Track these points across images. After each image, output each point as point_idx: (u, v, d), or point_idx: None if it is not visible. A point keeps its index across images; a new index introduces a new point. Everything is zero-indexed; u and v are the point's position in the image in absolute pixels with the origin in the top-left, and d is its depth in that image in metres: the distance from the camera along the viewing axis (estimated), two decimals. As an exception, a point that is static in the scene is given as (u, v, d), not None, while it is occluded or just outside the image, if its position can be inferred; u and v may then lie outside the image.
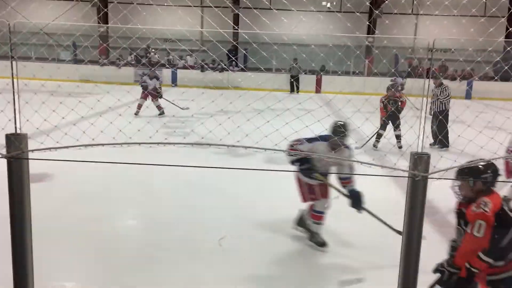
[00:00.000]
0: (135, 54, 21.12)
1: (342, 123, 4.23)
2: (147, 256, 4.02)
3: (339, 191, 4.17)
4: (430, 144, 8.72)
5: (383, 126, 8.54)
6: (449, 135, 8.41)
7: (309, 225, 4.38)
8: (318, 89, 19.24)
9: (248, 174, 6.12)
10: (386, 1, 21.23)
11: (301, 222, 4.51)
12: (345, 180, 4.09)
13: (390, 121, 8.57)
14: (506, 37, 21.55)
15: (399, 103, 8.66)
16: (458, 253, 2.72)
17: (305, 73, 19.32)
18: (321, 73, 19.67)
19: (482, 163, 2.74)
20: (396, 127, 8.58)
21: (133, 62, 20.99)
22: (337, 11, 22.41)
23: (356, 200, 3.97)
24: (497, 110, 10.85)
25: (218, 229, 4.60)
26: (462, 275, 2.68)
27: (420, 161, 1.22)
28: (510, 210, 2.68)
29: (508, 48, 2.83)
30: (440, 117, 8.54)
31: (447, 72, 16.69)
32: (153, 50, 21.62)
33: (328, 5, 22.37)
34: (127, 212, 5.26)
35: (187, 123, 10.44)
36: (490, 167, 2.76)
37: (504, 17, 21.56)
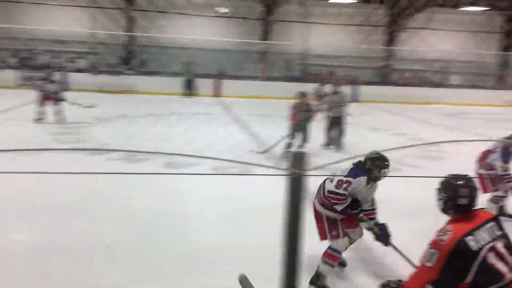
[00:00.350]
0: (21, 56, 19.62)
1: (381, 154, 3.66)
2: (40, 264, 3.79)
3: (365, 226, 3.70)
4: (325, 145, 9.14)
5: (292, 135, 8.10)
6: (344, 138, 9.07)
7: (318, 267, 3.69)
8: (217, 93, 19.43)
9: (146, 179, 6.06)
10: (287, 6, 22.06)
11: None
12: (371, 212, 3.70)
13: (298, 130, 8.18)
14: (387, 45, 23.72)
15: (310, 112, 8.34)
16: (409, 278, 2.49)
17: (202, 77, 19.34)
18: (220, 77, 19.87)
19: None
20: (304, 139, 8.25)
21: (17, 65, 19.42)
22: (232, 17, 22.81)
23: (384, 234, 3.52)
24: (382, 111, 12.01)
25: (106, 235, 4.42)
26: None
27: (297, 160, 1.34)
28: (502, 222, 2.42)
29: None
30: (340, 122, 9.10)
31: (333, 77, 17.72)
32: (39, 51, 20.19)
33: (222, 10, 22.68)
34: (12, 226, 4.86)
35: (83, 128, 9.98)
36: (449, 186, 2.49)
37: (384, 26, 23.67)
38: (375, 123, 11.35)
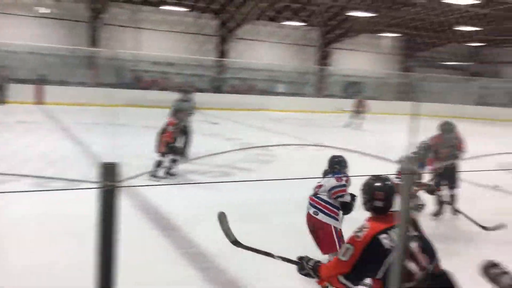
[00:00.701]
0: None
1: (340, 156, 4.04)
2: None
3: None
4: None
5: (165, 154, 7.26)
6: (190, 147, 8.56)
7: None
8: (39, 100, 17.62)
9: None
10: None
11: None
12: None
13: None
14: (220, 54, 24.56)
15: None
16: (324, 266, 2.63)
17: (19, 82, 17.33)
18: (41, 82, 18.05)
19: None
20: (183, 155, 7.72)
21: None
22: (54, 18, 21.03)
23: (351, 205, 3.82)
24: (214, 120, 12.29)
25: None
26: (318, 283, 2.70)
27: (108, 171, 1.24)
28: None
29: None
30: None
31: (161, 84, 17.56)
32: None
33: (42, 10, 20.66)
34: None
35: None
36: None
37: (216, 35, 24.47)
38: (208, 129, 11.57)
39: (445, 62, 30.07)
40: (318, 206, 3.80)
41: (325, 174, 3.98)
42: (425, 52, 29.20)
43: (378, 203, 2.54)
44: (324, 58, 26.74)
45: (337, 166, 3.98)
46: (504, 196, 7.21)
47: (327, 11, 22.84)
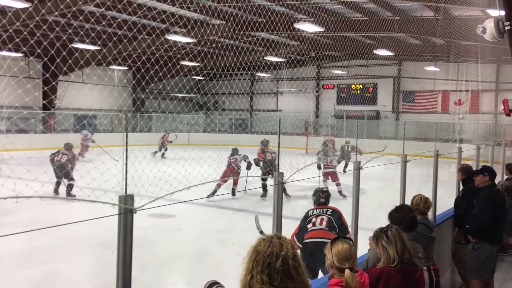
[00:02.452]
0: None
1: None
2: None
3: None
4: None
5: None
6: None
7: None
8: None
9: None
10: None
11: None
12: None
13: None
14: None
15: None
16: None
17: None
18: None
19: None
20: None
21: None
22: None
23: None
24: None
25: None
26: None
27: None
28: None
29: None
30: None
31: None
32: None
33: None
34: None
35: None
36: None
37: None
38: None
39: (174, 94, 32.09)
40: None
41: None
42: (155, 84, 30.50)
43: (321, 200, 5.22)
44: (50, 91, 24.82)
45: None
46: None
47: (51, 42, 21.34)
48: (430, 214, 4.93)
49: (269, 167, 11.47)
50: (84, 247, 7.08)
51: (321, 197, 5.22)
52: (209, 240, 7.61)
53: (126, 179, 2.28)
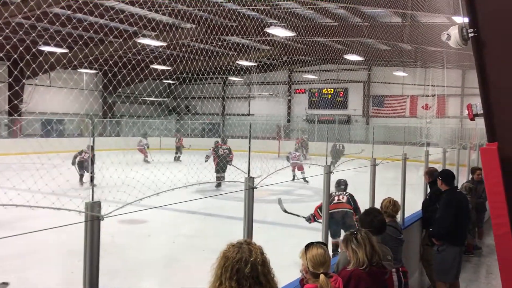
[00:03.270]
0: None
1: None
2: None
3: None
4: None
5: None
6: None
7: None
8: None
9: None
10: None
11: None
12: None
13: None
14: None
15: None
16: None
17: None
18: None
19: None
20: None
21: None
22: None
23: None
24: None
25: None
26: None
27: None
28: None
29: None
30: None
31: None
32: None
33: None
34: None
35: None
36: None
37: None
38: None
39: (144, 98, 31.70)
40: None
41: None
42: (124, 88, 30.05)
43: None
44: (15, 95, 24.14)
45: None
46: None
47: (16, 45, 20.74)
48: (398, 217, 5.01)
49: (222, 162, 13.69)
50: (50, 255, 6.88)
51: (342, 184, 6.79)
52: (179, 246, 7.52)
53: (93, 185, 2.23)
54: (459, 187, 7.89)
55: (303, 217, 6.77)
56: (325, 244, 2.77)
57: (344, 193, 6.65)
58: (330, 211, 5.40)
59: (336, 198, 6.52)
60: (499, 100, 3.03)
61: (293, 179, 14.24)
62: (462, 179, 8.89)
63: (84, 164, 14.20)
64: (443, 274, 5.27)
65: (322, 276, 2.52)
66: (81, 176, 14.21)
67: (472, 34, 2.99)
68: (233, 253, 2.01)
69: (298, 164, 14.99)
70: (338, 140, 22.39)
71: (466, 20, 3.05)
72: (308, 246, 2.68)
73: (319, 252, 2.61)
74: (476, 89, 3.15)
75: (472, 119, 3.23)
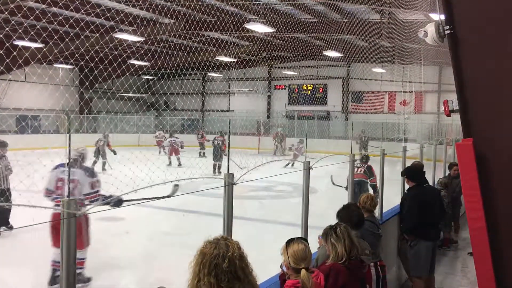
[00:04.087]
0: None
1: None
2: None
3: None
4: None
5: None
6: None
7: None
8: None
9: None
10: None
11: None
12: None
13: None
14: None
15: None
16: None
17: None
18: None
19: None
20: None
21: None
22: None
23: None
24: None
25: None
26: None
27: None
28: None
29: None
30: None
31: None
32: None
33: None
34: None
35: None
36: None
37: None
38: None
39: (122, 93, 31.28)
40: None
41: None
42: (101, 83, 29.59)
43: None
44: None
45: None
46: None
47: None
48: (377, 212, 5.07)
49: (216, 150, 16.85)
50: (26, 253, 6.74)
51: (363, 158, 8.62)
52: (158, 243, 7.47)
53: (69, 182, 2.18)
54: (435, 182, 8.03)
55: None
56: (305, 239, 2.78)
57: (364, 165, 8.50)
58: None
59: (356, 169, 7.99)
60: (474, 96, 3.08)
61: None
62: (439, 175, 9.04)
63: (100, 150, 16.48)
64: (417, 268, 5.36)
65: (303, 271, 2.53)
66: (94, 162, 15.91)
67: (448, 31, 3.03)
68: (210, 249, 2.01)
69: (298, 156, 17.26)
70: (363, 132, 23.30)
71: (443, 17, 3.09)
72: (289, 242, 2.69)
73: (300, 247, 2.62)
74: (452, 85, 3.20)
75: (449, 115, 3.28)
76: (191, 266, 2.03)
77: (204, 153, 22.77)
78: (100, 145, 17.00)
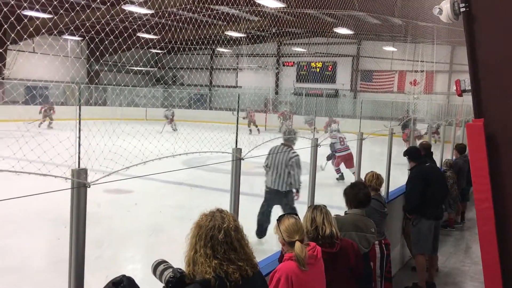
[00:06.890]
0: None
1: None
2: None
3: None
4: None
5: None
6: None
7: None
8: None
9: None
10: None
11: None
12: None
13: None
14: None
15: None
16: None
17: None
18: None
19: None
20: None
21: None
22: None
23: None
24: None
25: None
26: None
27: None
28: None
29: None
30: None
31: None
32: None
33: None
34: None
35: None
36: None
37: None
38: None
39: (130, 67, 31.19)
40: None
41: None
42: (110, 56, 29.48)
43: None
44: (-2, 61, 23.58)
45: None
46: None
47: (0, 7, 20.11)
48: (383, 191, 5.08)
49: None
50: (37, 222, 6.87)
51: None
52: (166, 216, 7.56)
53: (79, 152, 2.20)
54: (442, 163, 8.00)
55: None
56: (296, 214, 2.77)
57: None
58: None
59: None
60: (487, 76, 3.04)
61: (341, 178, 10.87)
62: (446, 155, 9.00)
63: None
64: (419, 246, 5.43)
65: (297, 244, 2.54)
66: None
67: (464, 9, 2.97)
68: (206, 222, 2.06)
69: (346, 155, 10.59)
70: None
71: (459, -6, 3.02)
72: (280, 218, 2.69)
73: (291, 221, 2.62)
74: (464, 65, 3.16)
75: (460, 95, 3.24)
76: (187, 239, 2.08)
77: (251, 130, 22.82)
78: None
